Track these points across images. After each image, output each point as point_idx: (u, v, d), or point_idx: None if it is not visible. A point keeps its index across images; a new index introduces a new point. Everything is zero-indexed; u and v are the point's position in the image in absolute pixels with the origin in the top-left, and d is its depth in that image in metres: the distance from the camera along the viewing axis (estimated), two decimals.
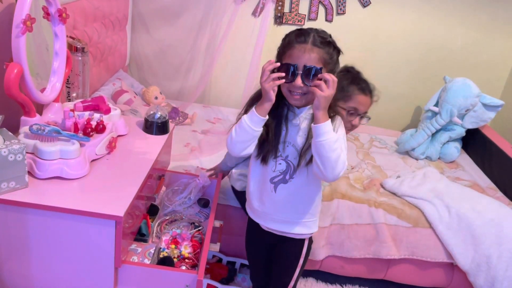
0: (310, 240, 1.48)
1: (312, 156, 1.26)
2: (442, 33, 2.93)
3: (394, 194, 2.15)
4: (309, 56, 1.20)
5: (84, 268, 1.23)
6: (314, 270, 2.16)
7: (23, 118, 1.37)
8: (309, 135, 1.28)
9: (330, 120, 1.20)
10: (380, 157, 2.58)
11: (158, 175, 1.66)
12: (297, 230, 1.42)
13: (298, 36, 1.23)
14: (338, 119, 1.30)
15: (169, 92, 2.92)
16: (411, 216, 2.04)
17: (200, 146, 2.37)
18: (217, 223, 1.66)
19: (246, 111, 1.33)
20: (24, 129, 1.32)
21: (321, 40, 1.21)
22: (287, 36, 1.27)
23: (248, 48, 2.65)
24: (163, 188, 1.78)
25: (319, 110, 1.17)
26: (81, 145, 1.31)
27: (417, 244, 2.03)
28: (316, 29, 1.25)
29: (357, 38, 2.92)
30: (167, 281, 1.30)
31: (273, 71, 1.20)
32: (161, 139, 1.63)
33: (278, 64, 1.21)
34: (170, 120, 1.70)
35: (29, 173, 1.23)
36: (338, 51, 1.27)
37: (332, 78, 1.16)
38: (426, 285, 2.17)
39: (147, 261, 1.37)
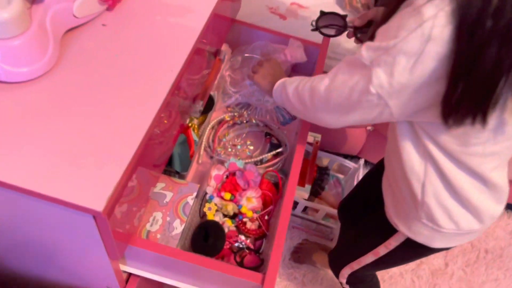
0: (416, 243, 0.75)
1: None
2: None
3: None
4: None
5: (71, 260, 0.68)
6: None
7: None
8: None
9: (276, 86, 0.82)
10: None
11: (212, 50, 0.89)
12: (392, 220, 0.75)
13: None
14: None
15: None
16: None
17: None
18: (311, 138, 0.96)
19: None
20: None
21: None
22: None
23: None
24: (226, 59, 1.02)
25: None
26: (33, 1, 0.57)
27: None
28: None
29: None
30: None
31: None
32: None
33: None
34: None
35: None
36: None
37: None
38: None
39: (178, 226, 0.77)
